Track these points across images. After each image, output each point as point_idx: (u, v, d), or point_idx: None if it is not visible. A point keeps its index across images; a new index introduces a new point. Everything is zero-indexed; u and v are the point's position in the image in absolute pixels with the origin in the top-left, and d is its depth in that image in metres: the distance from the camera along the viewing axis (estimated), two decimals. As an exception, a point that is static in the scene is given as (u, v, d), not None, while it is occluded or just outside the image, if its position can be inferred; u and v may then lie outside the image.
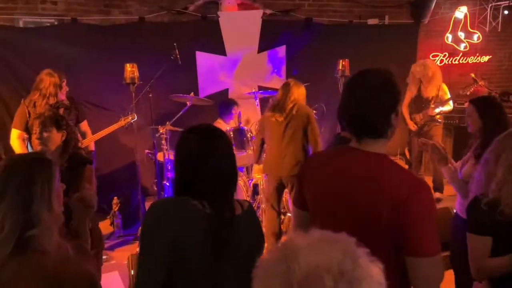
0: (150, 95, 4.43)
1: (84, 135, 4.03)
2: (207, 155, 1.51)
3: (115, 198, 4.73)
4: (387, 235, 1.41)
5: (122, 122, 4.12)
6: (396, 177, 1.44)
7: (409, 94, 5.15)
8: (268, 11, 5.56)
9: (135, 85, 4.23)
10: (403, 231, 1.38)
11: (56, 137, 2.61)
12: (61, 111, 3.73)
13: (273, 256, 0.80)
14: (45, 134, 2.60)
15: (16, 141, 3.71)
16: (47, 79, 3.69)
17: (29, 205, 1.34)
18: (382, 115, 1.47)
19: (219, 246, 1.46)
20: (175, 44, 4.50)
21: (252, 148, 4.46)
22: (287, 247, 0.80)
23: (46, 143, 2.59)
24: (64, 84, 3.80)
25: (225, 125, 4.81)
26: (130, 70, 4.20)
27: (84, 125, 4.08)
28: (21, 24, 4.92)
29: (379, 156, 1.49)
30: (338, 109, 2.59)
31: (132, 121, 4.16)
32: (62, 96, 3.80)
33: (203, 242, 1.45)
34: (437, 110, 5.05)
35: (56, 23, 4.98)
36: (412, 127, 5.14)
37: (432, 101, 5.05)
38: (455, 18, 6.44)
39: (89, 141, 4.04)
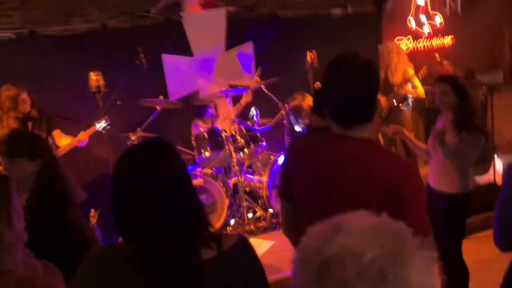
0: (118, 102, 4.34)
1: (57, 145, 3.96)
2: (138, 183, 1.15)
3: (92, 210, 4.61)
4: None
5: (94, 127, 4.00)
6: (386, 162, 1.45)
7: None
8: (231, 8, 5.51)
9: (101, 93, 4.13)
10: (397, 214, 1.37)
11: (28, 168, 1.99)
12: (30, 125, 3.67)
13: (318, 229, 0.70)
14: (9, 166, 2.02)
15: None
16: (3, 94, 3.66)
17: None
18: (370, 99, 1.46)
19: None
20: (139, 48, 4.42)
21: (228, 147, 4.43)
22: (335, 223, 0.69)
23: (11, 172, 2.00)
24: (23, 96, 3.70)
25: (204, 125, 4.81)
26: (95, 78, 4.11)
27: (57, 133, 3.98)
28: (-24, 41, 4.73)
29: (366, 142, 1.49)
30: (317, 99, 2.60)
31: (105, 124, 4.04)
32: (25, 108, 3.71)
33: None
34: (409, 88, 5.05)
35: (14, 36, 4.80)
36: (384, 101, 5.09)
37: (396, 86, 5.07)
38: (415, 2, 6.55)
39: (65, 149, 3.93)
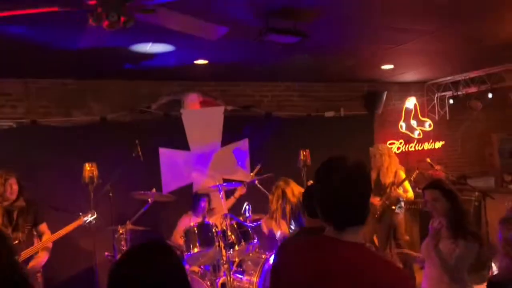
0: (110, 194, 4.31)
1: (41, 238, 3.77)
2: None
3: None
4: None
5: (80, 220, 3.86)
6: (378, 269, 1.38)
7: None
8: (229, 107, 5.76)
9: (94, 184, 4.13)
10: None
11: None
12: (15, 214, 3.57)
13: None
14: None
15: None
16: None
17: None
18: (363, 202, 1.45)
19: None
20: (137, 141, 4.50)
21: (218, 243, 4.30)
22: None
23: None
24: (11, 181, 3.61)
25: (195, 219, 4.72)
26: (89, 169, 4.14)
27: (43, 227, 3.81)
28: (-22, 128, 4.84)
29: (358, 246, 1.44)
30: (309, 199, 2.58)
31: (91, 218, 3.91)
32: (12, 195, 3.61)
33: None
34: (400, 191, 5.08)
35: (14, 125, 4.93)
36: (377, 202, 5.09)
37: (389, 187, 5.10)
38: (406, 108, 6.87)
39: (48, 241, 3.72)
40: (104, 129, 5.15)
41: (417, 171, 5.21)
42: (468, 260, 2.73)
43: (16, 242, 3.53)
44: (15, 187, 3.63)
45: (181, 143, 5.46)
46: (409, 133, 6.89)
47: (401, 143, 6.82)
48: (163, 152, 5.40)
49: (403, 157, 6.36)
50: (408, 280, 1.38)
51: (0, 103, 4.93)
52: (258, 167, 5.06)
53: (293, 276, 1.52)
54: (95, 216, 3.94)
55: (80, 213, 3.91)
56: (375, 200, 5.04)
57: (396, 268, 1.43)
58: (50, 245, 3.73)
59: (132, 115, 5.39)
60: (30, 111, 5.02)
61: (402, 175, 5.16)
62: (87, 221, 3.89)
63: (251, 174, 5.08)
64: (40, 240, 3.74)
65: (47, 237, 3.77)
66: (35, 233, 3.77)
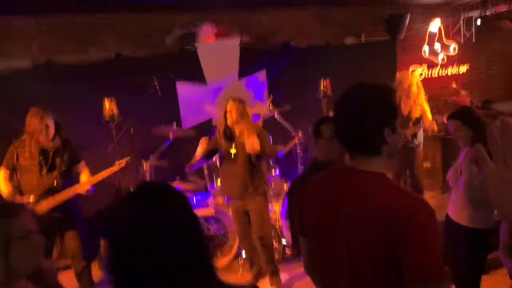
0: (132, 131, 4.34)
1: (79, 177, 3.82)
2: (141, 234, 1.08)
3: (102, 240, 4.55)
4: (386, 259, 1.31)
5: (116, 167, 3.76)
6: (389, 194, 1.36)
7: None
8: (245, 38, 5.57)
9: (115, 122, 4.14)
10: (400, 252, 1.27)
11: None
12: (50, 154, 3.59)
13: None
14: None
15: (2, 182, 3.60)
16: (29, 118, 3.51)
17: None
18: (372, 129, 1.39)
19: None
20: (153, 77, 4.45)
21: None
22: None
23: None
24: (46, 121, 3.51)
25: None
26: (109, 107, 4.12)
27: (81, 166, 3.83)
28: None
29: (374, 175, 1.40)
30: (316, 127, 2.61)
31: (126, 164, 3.80)
32: (47, 135, 3.53)
33: None
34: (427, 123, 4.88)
35: (31, 65, 4.89)
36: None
37: (411, 122, 4.89)
38: (429, 31, 6.54)
39: (87, 184, 3.71)
40: (120, 66, 5.07)
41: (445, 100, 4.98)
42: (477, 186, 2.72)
43: (51, 181, 3.58)
44: (51, 126, 3.57)
45: (198, 77, 5.37)
46: (432, 57, 6.62)
47: (424, 68, 6.58)
48: (180, 86, 5.34)
49: (426, 83, 6.15)
50: (425, 209, 1.32)
51: (15, 43, 4.85)
52: (271, 97, 4.94)
53: (311, 210, 1.54)
54: (129, 161, 3.83)
55: (116, 161, 3.81)
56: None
57: (414, 195, 1.38)
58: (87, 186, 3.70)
59: (146, 50, 5.28)
60: (44, 50, 4.95)
61: (426, 107, 4.95)
62: (122, 167, 3.79)
63: (269, 107, 4.99)
64: (79, 180, 3.78)
65: (86, 175, 3.79)
66: (72, 172, 3.76)
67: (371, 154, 1.41)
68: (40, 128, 3.48)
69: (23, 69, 4.86)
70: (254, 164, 3.77)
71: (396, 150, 1.48)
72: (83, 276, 3.83)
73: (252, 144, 3.60)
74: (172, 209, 1.12)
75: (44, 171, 3.57)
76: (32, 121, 3.50)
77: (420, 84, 5.10)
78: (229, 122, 3.74)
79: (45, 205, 3.55)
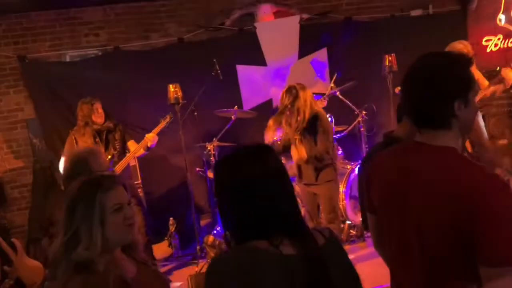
0: (195, 113, 4.44)
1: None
2: (263, 184, 1.20)
3: (171, 218, 4.75)
4: (456, 238, 1.23)
5: (162, 124, 4.12)
6: (458, 169, 1.28)
7: None
8: (305, 16, 5.44)
9: (180, 104, 4.25)
10: (473, 231, 1.19)
11: None
12: (104, 134, 3.98)
13: None
14: None
15: None
16: (79, 107, 3.96)
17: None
18: (440, 101, 1.31)
19: None
20: (214, 60, 4.50)
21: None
22: None
23: None
24: (95, 107, 3.95)
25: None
26: (173, 90, 4.25)
27: (131, 144, 4.17)
28: (68, 59, 5.11)
29: (445, 150, 1.32)
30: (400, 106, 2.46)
31: (170, 118, 4.15)
32: (98, 119, 3.96)
33: None
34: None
35: (100, 53, 5.13)
36: None
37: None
38: (506, -3, 6.03)
39: (136, 152, 4.08)
40: (182, 50, 5.18)
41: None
42: None
43: (109, 157, 3.94)
44: (101, 111, 4.00)
45: (258, 58, 5.35)
46: (510, 26, 6.10)
47: (499, 38, 6.08)
48: (241, 69, 5.36)
49: (502, 54, 5.71)
50: (501, 187, 1.22)
51: (84, 32, 5.11)
52: (335, 76, 4.82)
53: (379, 186, 1.50)
54: (172, 118, 4.16)
55: (160, 117, 4.16)
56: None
57: (488, 173, 1.26)
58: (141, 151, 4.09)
59: (207, 33, 5.33)
60: (111, 39, 5.16)
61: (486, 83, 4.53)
62: (168, 123, 4.13)
63: (331, 84, 4.88)
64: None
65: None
66: (126, 150, 4.13)
67: (439, 128, 1.33)
68: (91, 112, 3.91)
69: (93, 56, 5.11)
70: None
71: (469, 126, 1.39)
72: (146, 251, 4.05)
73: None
74: (276, 165, 1.25)
75: (102, 149, 3.86)
76: (83, 107, 3.94)
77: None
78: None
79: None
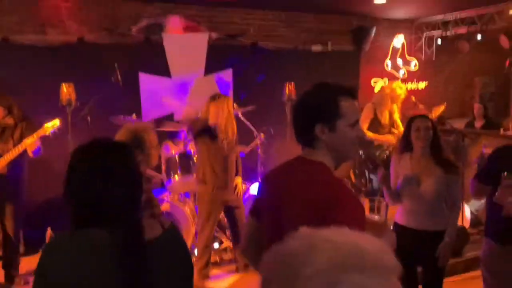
0: (88, 118, 4.19)
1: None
2: (93, 179, 1.29)
3: (49, 229, 4.35)
4: None
5: (47, 129, 3.78)
6: (320, 180, 1.47)
7: (368, 115, 5.28)
8: (214, 35, 5.51)
9: (72, 107, 3.98)
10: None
11: None
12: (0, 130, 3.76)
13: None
14: None
15: None
16: None
17: None
18: (303, 123, 1.53)
19: (129, 279, 1.23)
20: (116, 64, 4.32)
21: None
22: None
23: None
24: None
25: (175, 148, 4.66)
26: (67, 91, 3.96)
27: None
28: None
29: (313, 163, 1.52)
30: None
31: (56, 127, 3.82)
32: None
33: (110, 279, 1.23)
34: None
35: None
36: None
37: (387, 129, 5.31)
38: (393, 46, 6.74)
39: (19, 148, 3.75)
40: (82, 51, 4.88)
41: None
42: (444, 192, 2.84)
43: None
44: (1, 109, 3.75)
45: (162, 69, 5.26)
46: (394, 71, 6.83)
47: (385, 81, 6.76)
48: (143, 77, 5.21)
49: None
50: (344, 194, 1.43)
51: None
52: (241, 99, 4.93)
53: (267, 192, 1.68)
54: (58, 125, 3.84)
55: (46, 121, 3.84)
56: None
57: (338, 181, 1.50)
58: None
59: (111, 37, 5.11)
60: (1, 27, 4.69)
61: (399, 122, 5.37)
62: (52, 131, 3.81)
63: (234, 105, 4.96)
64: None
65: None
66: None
67: (307, 147, 1.55)
68: None
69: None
70: None
71: (341, 151, 1.53)
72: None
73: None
74: (111, 164, 1.33)
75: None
76: None
77: (397, 97, 5.51)
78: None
79: None
